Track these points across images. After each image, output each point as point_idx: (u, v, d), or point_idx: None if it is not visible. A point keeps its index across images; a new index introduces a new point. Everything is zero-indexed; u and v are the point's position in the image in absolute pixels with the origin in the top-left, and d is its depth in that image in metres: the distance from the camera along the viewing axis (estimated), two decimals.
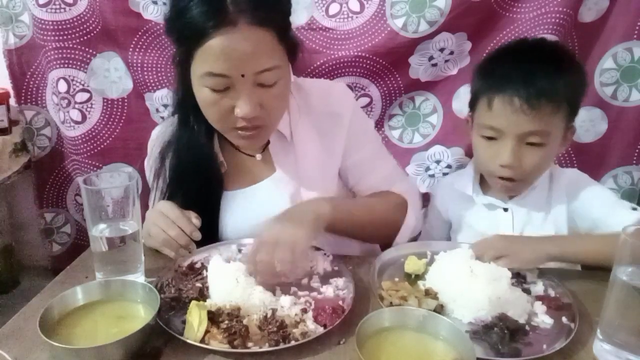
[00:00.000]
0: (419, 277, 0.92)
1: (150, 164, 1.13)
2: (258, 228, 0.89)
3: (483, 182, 1.15)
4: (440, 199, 1.25)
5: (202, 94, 0.92)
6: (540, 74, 0.98)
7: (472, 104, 1.08)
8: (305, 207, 0.97)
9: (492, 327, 0.76)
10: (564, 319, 0.80)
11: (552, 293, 0.87)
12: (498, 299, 0.80)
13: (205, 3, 0.85)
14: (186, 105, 1.01)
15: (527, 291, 0.86)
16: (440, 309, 0.81)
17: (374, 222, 1.07)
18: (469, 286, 0.82)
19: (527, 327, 0.78)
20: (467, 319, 0.80)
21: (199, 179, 1.05)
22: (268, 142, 1.08)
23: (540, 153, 1.00)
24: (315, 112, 1.09)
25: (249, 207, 1.07)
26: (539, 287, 0.88)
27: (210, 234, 1.02)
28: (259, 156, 1.09)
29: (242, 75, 0.87)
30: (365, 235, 1.10)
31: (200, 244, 0.96)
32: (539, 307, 0.83)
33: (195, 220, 0.94)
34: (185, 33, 0.88)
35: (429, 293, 0.85)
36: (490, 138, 1.03)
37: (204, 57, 0.87)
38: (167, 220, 0.93)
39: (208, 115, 0.96)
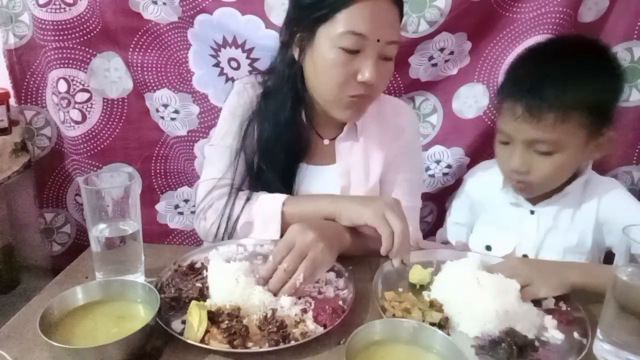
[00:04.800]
0: (424, 287, 0.88)
1: (226, 118, 1.13)
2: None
3: None
4: (470, 186, 1.22)
5: (332, 54, 0.95)
6: (550, 81, 0.94)
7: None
8: (335, 230, 0.93)
9: (499, 342, 0.72)
10: (576, 334, 0.76)
11: (563, 306, 0.83)
12: (506, 312, 0.76)
13: None
14: (293, 80, 1.05)
15: (537, 304, 0.82)
16: (445, 322, 0.77)
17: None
18: (475, 298, 0.78)
19: (536, 343, 0.74)
20: (473, 332, 0.76)
21: (289, 149, 1.08)
22: (339, 132, 1.12)
23: (551, 161, 0.97)
24: (384, 120, 1.15)
25: (312, 184, 1.11)
26: (549, 300, 0.83)
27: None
28: (326, 141, 1.14)
29: (378, 41, 0.94)
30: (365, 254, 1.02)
31: None
32: (550, 322, 0.79)
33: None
34: None
35: (433, 305, 0.81)
36: (504, 142, 1.03)
37: (350, 16, 0.93)
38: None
39: (330, 79, 0.98)
